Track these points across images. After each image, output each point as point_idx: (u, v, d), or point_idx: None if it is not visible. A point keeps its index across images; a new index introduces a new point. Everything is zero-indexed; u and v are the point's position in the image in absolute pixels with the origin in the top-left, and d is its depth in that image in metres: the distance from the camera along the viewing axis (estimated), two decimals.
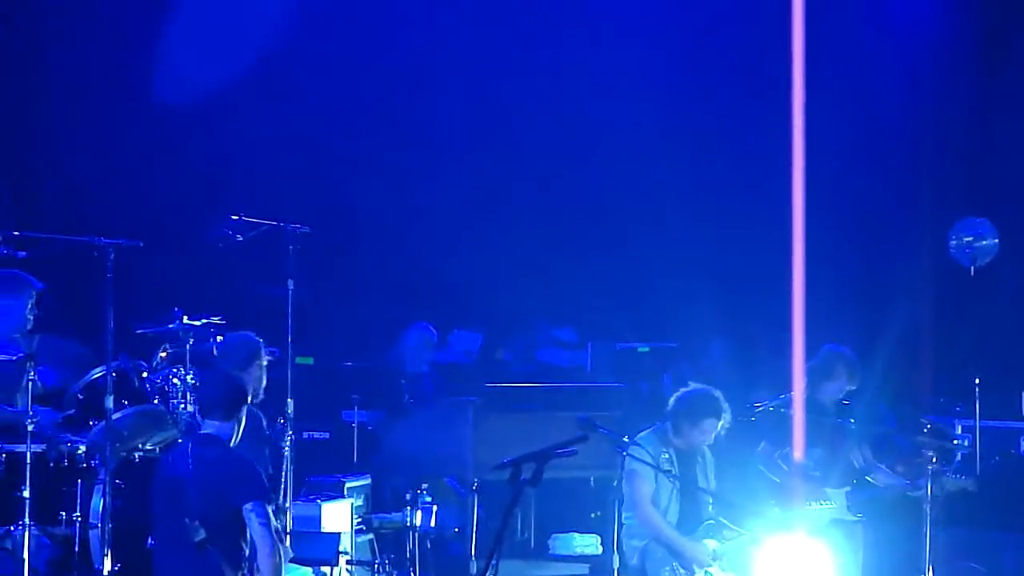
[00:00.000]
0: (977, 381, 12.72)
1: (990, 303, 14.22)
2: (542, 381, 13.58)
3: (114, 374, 9.98)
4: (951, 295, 14.23)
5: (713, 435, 10.19)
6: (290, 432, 10.52)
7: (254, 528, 8.40)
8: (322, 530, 11.03)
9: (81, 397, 10.45)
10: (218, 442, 8.60)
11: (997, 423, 12.93)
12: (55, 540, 10.01)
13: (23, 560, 9.66)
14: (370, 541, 11.63)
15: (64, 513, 10.01)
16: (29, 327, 10.48)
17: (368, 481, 11.98)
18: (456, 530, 11.86)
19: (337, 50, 14.65)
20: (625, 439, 9.83)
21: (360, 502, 11.70)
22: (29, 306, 10.53)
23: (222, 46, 13.92)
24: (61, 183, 13.56)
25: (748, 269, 14.27)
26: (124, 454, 9.99)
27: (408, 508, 11.13)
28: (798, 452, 10.58)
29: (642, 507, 10.02)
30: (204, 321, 10.67)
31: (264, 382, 10.24)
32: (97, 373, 10.30)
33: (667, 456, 10.09)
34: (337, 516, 11.33)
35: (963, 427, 12.62)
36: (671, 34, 15.00)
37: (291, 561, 10.09)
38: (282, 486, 10.43)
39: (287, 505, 10.43)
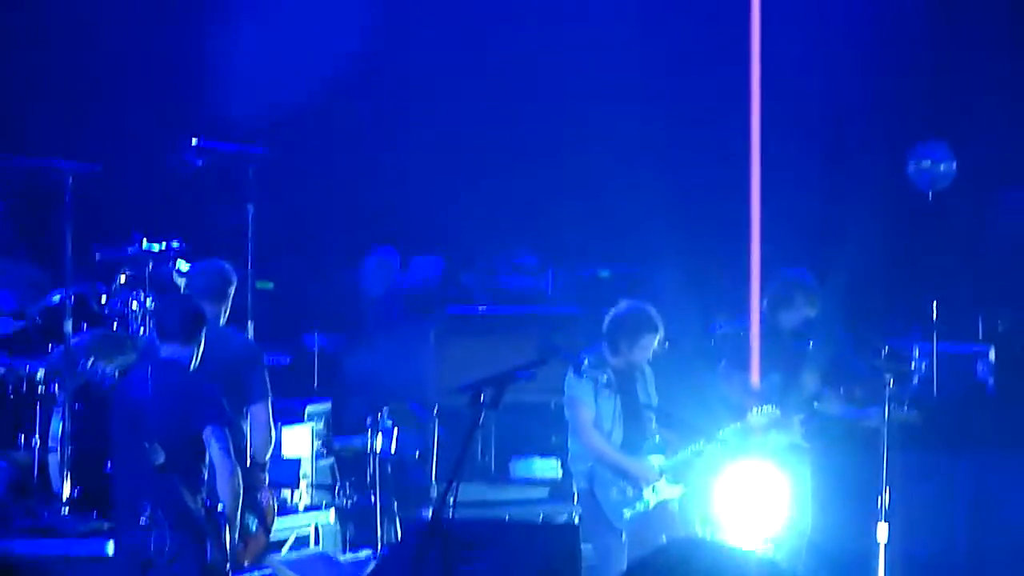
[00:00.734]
0: (935, 305, 12.77)
1: (948, 227, 14.29)
2: (503, 306, 13.59)
3: (73, 298, 9.97)
4: (909, 219, 14.29)
5: (651, 351, 10.17)
6: None
7: (214, 452, 8.40)
8: (283, 454, 11.06)
9: (40, 321, 10.44)
10: (177, 366, 8.59)
11: (955, 347, 13.00)
12: (14, 464, 10.02)
13: None
14: (331, 465, 11.68)
15: (23, 437, 10.02)
16: None
17: (329, 405, 12.00)
18: (417, 454, 11.89)
19: None
20: (586, 363, 9.88)
21: (321, 426, 11.73)
22: None
23: None
24: (18, 106, 13.46)
25: (706, 192, 14.29)
26: (83, 378, 9.99)
27: (369, 432, 11.15)
28: (755, 376, 10.62)
29: (584, 432, 10.05)
30: (163, 245, 10.64)
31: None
32: (56, 297, 10.28)
33: (606, 378, 10.09)
34: (298, 440, 11.37)
35: (920, 351, 12.67)
36: None
37: None
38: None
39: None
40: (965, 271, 13.98)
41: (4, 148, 10.77)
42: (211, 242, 10.76)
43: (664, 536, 9.97)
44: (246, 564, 8.97)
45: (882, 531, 9.96)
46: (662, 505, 10.13)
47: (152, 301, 10.37)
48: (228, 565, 8.50)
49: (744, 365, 10.70)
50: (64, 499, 9.77)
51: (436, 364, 12.29)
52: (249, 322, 10.50)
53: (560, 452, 12.39)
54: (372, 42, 14.92)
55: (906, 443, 10.51)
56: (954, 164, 14.08)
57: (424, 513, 11.10)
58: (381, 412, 11.20)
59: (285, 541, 10.73)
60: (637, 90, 14.72)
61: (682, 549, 3.76)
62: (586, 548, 9.95)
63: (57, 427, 9.88)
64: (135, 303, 10.38)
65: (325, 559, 10.40)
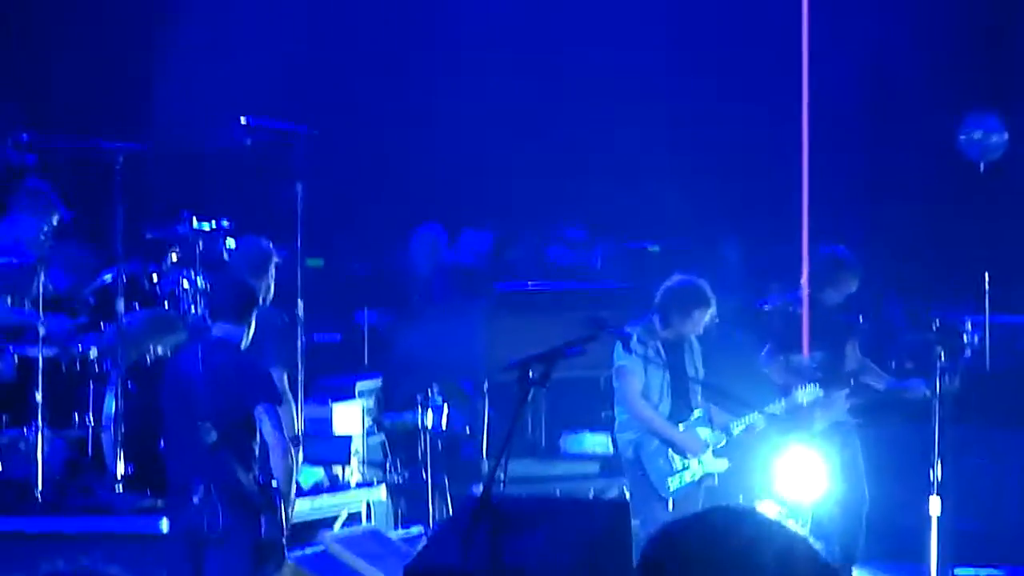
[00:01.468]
0: (987, 276, 12.70)
1: (1000, 199, 14.20)
2: (551, 281, 13.58)
3: (124, 278, 10.03)
4: (961, 191, 14.21)
5: (702, 325, 10.21)
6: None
7: (266, 430, 8.44)
8: (333, 431, 11.10)
9: (92, 301, 10.50)
10: (229, 345, 8.62)
11: (1007, 318, 12.93)
12: (68, 442, 10.11)
13: (37, 462, 9.75)
14: (381, 442, 11.71)
15: (77, 416, 10.10)
16: (42, 249, 10.44)
17: (379, 382, 12.03)
18: (467, 431, 11.92)
19: None
20: (635, 339, 9.88)
21: (371, 403, 11.76)
22: (46, 228, 10.52)
23: None
24: (69, 88, 13.52)
25: (757, 167, 14.25)
26: (135, 357, 10.05)
27: (419, 409, 11.18)
28: (805, 351, 10.60)
29: (633, 402, 10.11)
30: (214, 224, 10.69)
31: (272, 288, 10.26)
32: (108, 277, 10.34)
33: (654, 350, 10.13)
34: (348, 417, 11.41)
35: (973, 323, 12.61)
36: None
37: (304, 461, 10.17)
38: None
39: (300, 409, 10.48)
40: (1017, 242, 13.90)
41: (56, 130, 10.84)
42: (260, 220, 10.80)
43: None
44: None
45: (934, 505, 9.94)
46: (706, 477, 10.18)
47: (203, 280, 10.41)
48: (283, 540, 8.55)
49: (787, 346, 10.70)
50: (118, 477, 9.84)
51: (485, 341, 12.28)
52: (299, 300, 10.53)
53: (610, 427, 12.41)
54: (418, 17, 14.92)
55: (957, 416, 10.46)
56: (1006, 135, 13.99)
57: (475, 489, 11.12)
58: (431, 389, 11.23)
59: (337, 517, 10.77)
60: (686, 62, 14.68)
61: (725, 517, 3.70)
62: (635, 524, 9.99)
63: (110, 406, 9.95)
64: (186, 282, 10.42)
65: (377, 535, 10.44)
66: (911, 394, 10.61)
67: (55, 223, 10.54)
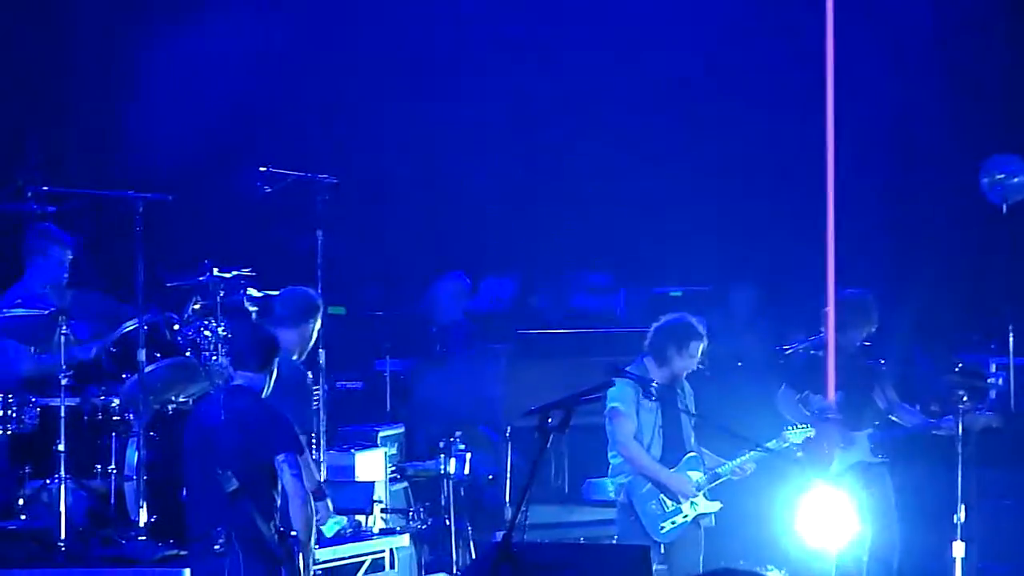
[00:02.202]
0: (1011, 320, 12.66)
1: (1023, 241, 14.14)
2: (574, 327, 13.58)
3: (146, 327, 10.06)
4: (983, 233, 14.16)
5: (696, 360, 10.24)
6: (321, 383, 10.57)
7: (286, 479, 8.44)
8: (356, 479, 11.09)
9: (114, 350, 10.53)
10: (250, 393, 8.64)
11: None
12: (91, 493, 10.12)
13: (60, 513, 9.76)
14: (404, 489, 11.69)
15: (99, 466, 10.12)
16: (64, 282, 10.56)
17: (401, 430, 12.03)
18: (490, 477, 11.90)
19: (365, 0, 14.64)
20: (653, 387, 9.93)
21: (394, 451, 11.75)
22: (61, 260, 10.61)
23: None
24: (89, 138, 13.59)
25: (779, 211, 14.23)
26: (157, 407, 10.07)
27: (442, 456, 11.18)
28: (830, 394, 10.59)
29: (625, 444, 10.16)
30: (234, 273, 10.72)
31: (313, 341, 10.28)
32: (129, 326, 10.37)
33: (648, 391, 10.15)
34: (371, 465, 11.38)
35: (997, 365, 12.56)
36: None
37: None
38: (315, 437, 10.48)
39: (321, 458, 10.47)
40: None
41: (76, 181, 10.91)
42: (281, 269, 10.83)
43: (698, 554, 10.07)
44: None
45: (958, 548, 9.89)
46: (697, 520, 10.20)
47: (224, 328, 10.43)
48: None
49: (802, 386, 10.71)
50: (141, 527, 9.84)
51: (508, 386, 12.29)
52: (321, 349, 10.55)
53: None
54: (441, 65, 14.97)
55: (983, 458, 10.43)
56: None
57: (497, 536, 11.10)
58: (454, 436, 11.23)
59: (361, 566, 10.75)
60: (710, 111, 14.69)
61: None
62: (661, 569, 9.98)
63: (133, 456, 9.97)
64: (207, 331, 10.45)
65: None
66: (943, 431, 10.60)
67: (69, 251, 10.61)
